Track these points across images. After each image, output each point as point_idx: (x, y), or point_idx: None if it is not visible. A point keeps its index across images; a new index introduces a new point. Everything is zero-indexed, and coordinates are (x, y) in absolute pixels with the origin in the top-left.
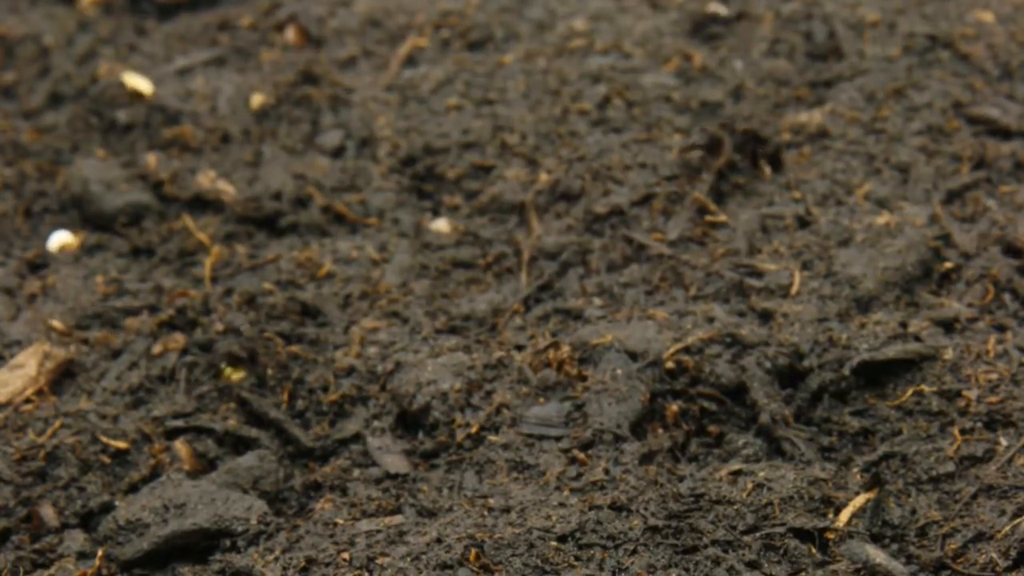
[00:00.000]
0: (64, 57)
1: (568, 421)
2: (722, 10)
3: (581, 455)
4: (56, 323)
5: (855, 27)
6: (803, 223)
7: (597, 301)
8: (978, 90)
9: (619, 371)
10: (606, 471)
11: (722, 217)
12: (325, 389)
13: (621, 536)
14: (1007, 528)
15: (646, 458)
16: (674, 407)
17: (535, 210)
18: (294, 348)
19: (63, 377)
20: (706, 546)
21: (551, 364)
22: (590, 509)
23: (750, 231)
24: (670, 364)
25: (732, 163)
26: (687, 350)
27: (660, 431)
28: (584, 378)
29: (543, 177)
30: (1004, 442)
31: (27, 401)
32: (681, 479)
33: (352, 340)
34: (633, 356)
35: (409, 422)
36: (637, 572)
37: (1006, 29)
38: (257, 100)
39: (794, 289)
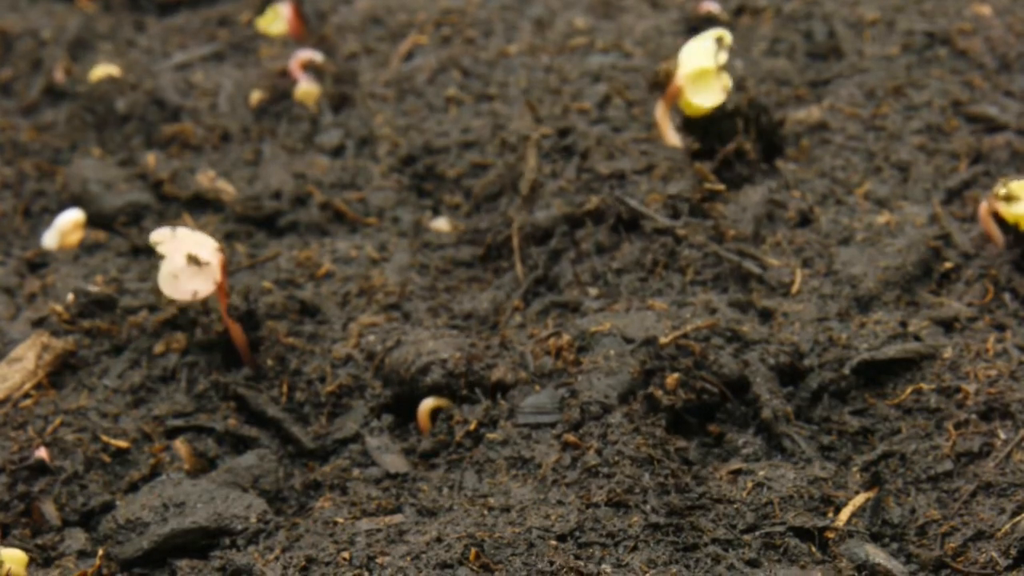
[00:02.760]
0: (63, 54)
1: (562, 406)
2: (715, 8)
3: (573, 437)
4: (59, 307)
5: (854, 26)
6: (804, 222)
7: (593, 291)
8: (977, 87)
9: (612, 351)
10: (598, 452)
11: (720, 186)
12: (323, 380)
13: (621, 534)
14: (1007, 527)
15: (633, 424)
16: (675, 376)
17: (536, 149)
18: (292, 340)
19: (63, 369)
20: (706, 544)
21: (550, 352)
22: (588, 507)
23: (754, 220)
24: (665, 342)
25: (739, 150)
26: (686, 336)
27: (659, 392)
28: (579, 363)
29: (545, 131)
30: (1003, 435)
31: (26, 396)
32: (683, 459)
33: (351, 334)
34: (630, 341)
35: (405, 396)
36: (639, 566)
37: (1004, 22)
38: (256, 97)
39: (795, 288)
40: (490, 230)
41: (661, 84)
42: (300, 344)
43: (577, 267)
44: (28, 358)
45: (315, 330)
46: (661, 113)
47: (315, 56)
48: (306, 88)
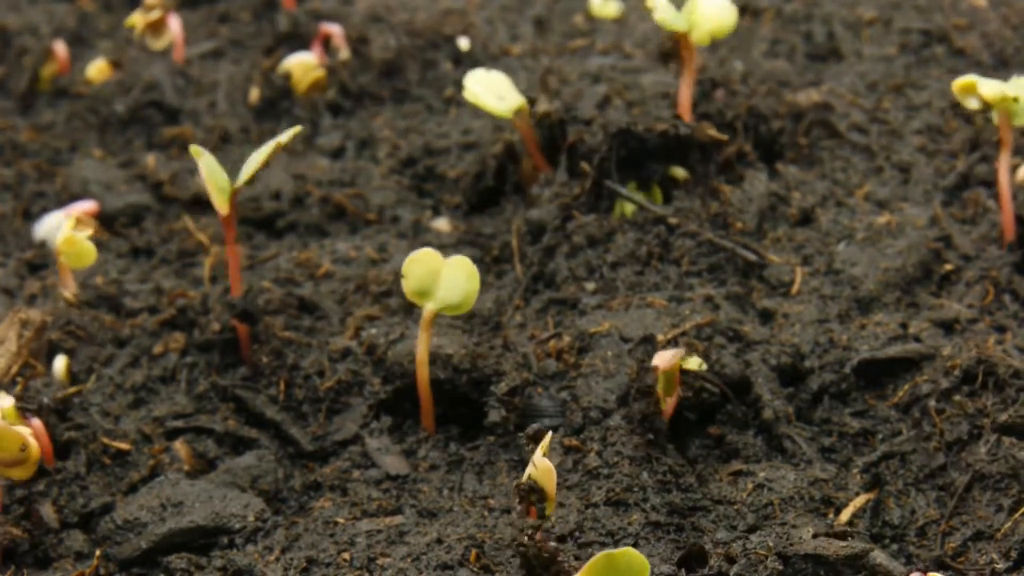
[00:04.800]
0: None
1: (564, 410)
2: None
3: (575, 441)
4: (68, 294)
5: (853, 26)
6: (805, 220)
7: (589, 286)
8: None
9: (610, 353)
10: (599, 454)
11: (724, 136)
12: (321, 375)
13: (620, 532)
14: (1007, 526)
15: (631, 424)
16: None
17: (548, 94)
18: (290, 334)
19: (56, 352)
20: (707, 544)
21: (551, 354)
22: (587, 507)
23: (759, 213)
24: (663, 340)
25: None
26: (685, 334)
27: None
28: (579, 365)
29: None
30: (994, 418)
31: (14, 382)
32: (681, 454)
33: (348, 328)
34: (628, 341)
35: (405, 391)
36: None
37: (999, 14)
38: (255, 96)
39: (795, 288)
40: (495, 235)
41: (672, 49)
42: (298, 339)
43: (571, 261)
44: (9, 339)
45: (313, 325)
46: (685, 98)
47: (337, 31)
48: (316, 74)
